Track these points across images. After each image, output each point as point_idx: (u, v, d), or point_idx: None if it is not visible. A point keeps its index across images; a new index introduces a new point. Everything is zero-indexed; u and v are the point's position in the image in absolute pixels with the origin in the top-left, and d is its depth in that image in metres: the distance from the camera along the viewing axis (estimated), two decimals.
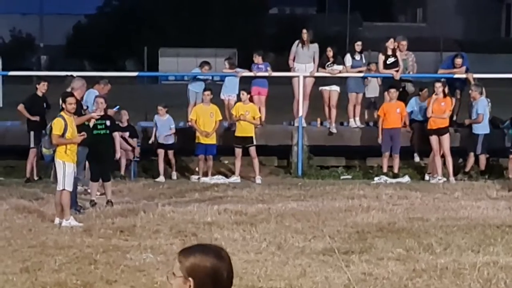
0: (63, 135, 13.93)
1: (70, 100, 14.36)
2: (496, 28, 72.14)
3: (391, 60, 20.81)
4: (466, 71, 20.85)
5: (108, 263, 11.32)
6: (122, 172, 19.38)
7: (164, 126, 20.08)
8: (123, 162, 19.21)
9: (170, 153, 20.06)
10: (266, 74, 21.31)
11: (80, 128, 14.64)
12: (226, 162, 20.91)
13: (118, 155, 17.54)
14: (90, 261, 11.45)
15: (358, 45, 22.07)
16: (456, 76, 20.79)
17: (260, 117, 20.59)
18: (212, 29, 42.20)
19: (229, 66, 22.25)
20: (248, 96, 20.08)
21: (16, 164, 20.63)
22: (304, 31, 21.13)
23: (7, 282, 10.50)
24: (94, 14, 67.81)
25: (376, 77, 21.46)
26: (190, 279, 2.63)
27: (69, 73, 19.61)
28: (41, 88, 19.78)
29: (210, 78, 22.10)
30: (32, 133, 19.18)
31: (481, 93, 19.94)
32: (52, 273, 10.82)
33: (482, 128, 19.86)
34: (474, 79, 20.53)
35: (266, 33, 42.09)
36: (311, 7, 75.28)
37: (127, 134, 19.49)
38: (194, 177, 19.67)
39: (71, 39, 64.07)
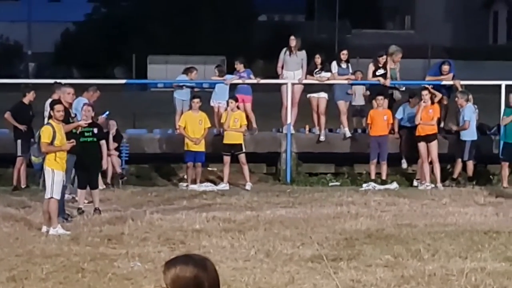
0: (51, 143, 13.94)
1: (58, 107, 14.41)
2: (484, 35, 72.64)
3: (380, 71, 20.84)
4: (453, 78, 21.01)
5: (95, 271, 11.28)
6: (109, 180, 19.19)
7: None
8: (110, 170, 19.07)
9: None
10: (255, 81, 21.49)
11: (68, 135, 14.59)
12: (214, 169, 20.83)
13: (104, 164, 17.47)
14: (77, 269, 11.43)
15: (343, 54, 22.12)
16: (443, 82, 20.93)
17: (249, 124, 20.55)
18: (201, 36, 42.37)
19: (219, 73, 22.39)
20: (236, 104, 20.10)
21: (3, 172, 20.53)
22: (292, 38, 21.16)
23: None
24: (83, 21, 67.73)
25: (363, 84, 21.65)
26: None
27: (57, 80, 19.55)
28: (30, 97, 19.76)
29: (197, 85, 22.30)
30: (19, 141, 19.20)
31: (467, 100, 20.08)
32: (39, 281, 10.79)
33: (469, 135, 19.99)
34: (461, 85, 20.72)
35: (255, 40, 42.29)
36: (300, 14, 75.41)
37: (114, 145, 19.31)
38: (182, 185, 19.67)
39: (59, 46, 64.03)
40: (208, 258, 2.79)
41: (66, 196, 15.97)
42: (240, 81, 21.38)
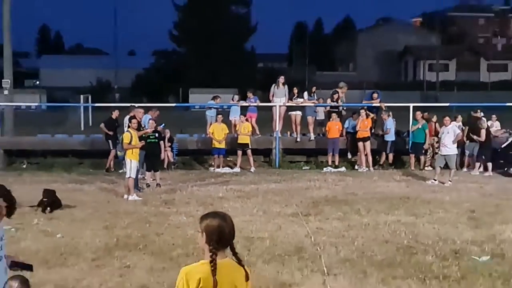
0: (130, 143, 16.22)
1: (133, 121, 16.86)
2: (399, 74, 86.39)
3: (334, 103, 23.60)
4: (380, 102, 23.83)
5: (157, 222, 13.40)
6: (165, 166, 21.05)
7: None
8: (166, 160, 21.01)
9: None
10: (255, 104, 24.00)
11: (140, 138, 16.84)
12: (231, 159, 22.58)
13: (162, 156, 19.82)
14: (146, 221, 13.55)
15: (312, 88, 25.39)
16: (374, 104, 23.75)
17: (253, 131, 23.04)
18: (222, 76, 45.59)
19: (237, 100, 24.73)
20: (245, 118, 22.59)
21: (100, 161, 22.07)
22: (281, 77, 23.93)
23: (94, 235, 12.21)
24: (149, 67, 76.83)
25: (324, 106, 24.11)
26: (204, 233, 4.09)
27: (132, 104, 21.23)
28: (115, 114, 22.32)
29: (220, 107, 24.13)
30: (109, 141, 21.53)
31: (389, 115, 22.87)
32: (122, 229, 12.80)
33: (390, 137, 22.71)
34: (385, 107, 23.50)
35: (256, 78, 45.35)
36: (284, 62, 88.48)
37: (168, 144, 21.17)
38: (211, 169, 21.98)
39: (135, 83, 72.54)
40: (227, 214, 4.15)
41: (139, 176, 17.67)
42: (246, 104, 24.05)
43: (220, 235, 4.01)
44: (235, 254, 4.11)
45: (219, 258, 4.00)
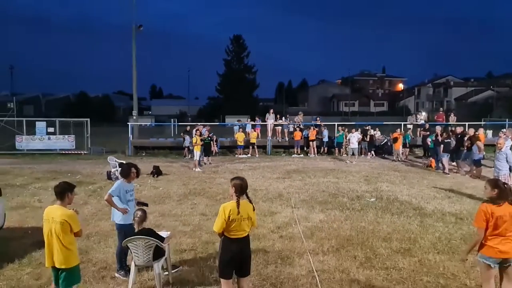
0: (196, 142, 15.93)
1: (197, 132, 16.73)
2: (329, 108, 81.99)
3: (298, 122, 21.96)
4: (320, 122, 22.12)
5: (210, 182, 12.97)
6: (214, 154, 19.84)
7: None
8: (214, 151, 19.74)
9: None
10: (259, 123, 22.60)
11: (201, 140, 16.48)
12: (246, 150, 20.87)
13: (212, 149, 19.14)
14: (204, 181, 13.15)
15: (287, 115, 25.51)
16: (317, 123, 21.83)
17: (257, 136, 21.57)
18: (240, 109, 44.43)
19: (249, 121, 23.57)
20: (253, 130, 21.61)
21: (180, 152, 20.49)
22: (271, 110, 22.96)
23: (178, 188, 11.96)
24: (205, 105, 73.70)
25: (293, 124, 22.18)
26: (232, 187, 4.31)
27: (197, 123, 20.63)
28: (187, 128, 20.72)
29: (241, 124, 22.27)
30: (185, 142, 19.86)
31: (324, 128, 21.26)
32: (192, 185, 12.39)
33: (325, 139, 21.02)
34: (323, 124, 21.74)
35: (258, 110, 45.10)
36: (272, 102, 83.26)
37: (215, 143, 20.12)
38: (237, 155, 20.57)
39: (198, 113, 67.58)
40: (244, 177, 4.48)
41: (200, 159, 16.59)
42: (254, 123, 22.53)
43: (240, 188, 4.29)
44: (248, 197, 4.39)
45: (240, 200, 4.27)
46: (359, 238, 7.30)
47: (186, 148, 20.09)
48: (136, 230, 5.34)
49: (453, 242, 7.07)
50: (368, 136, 20.61)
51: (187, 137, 19.83)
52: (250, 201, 4.40)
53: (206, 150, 17.77)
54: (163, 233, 5.84)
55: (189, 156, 18.94)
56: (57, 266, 4.32)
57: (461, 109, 58.19)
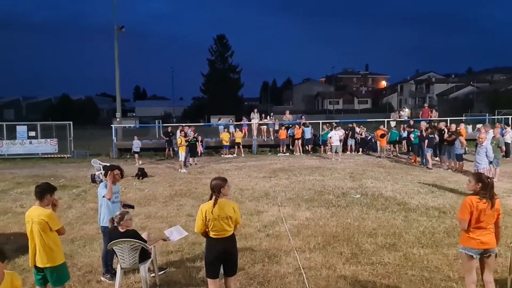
0: (181, 143, 15.72)
1: (182, 133, 17.06)
2: (314, 106, 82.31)
3: (287, 122, 22.39)
4: (305, 120, 22.43)
5: (195, 182, 12.89)
6: (200, 155, 19.39)
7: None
8: (199, 151, 19.49)
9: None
10: (247, 122, 22.77)
11: (186, 141, 16.28)
12: (232, 150, 20.84)
13: (199, 149, 19.27)
14: (189, 182, 13.00)
15: (271, 114, 24.77)
16: (302, 121, 22.05)
17: (243, 135, 21.64)
18: (226, 109, 43.85)
19: (233, 121, 23.75)
20: (239, 130, 21.83)
21: (165, 153, 20.24)
22: (256, 110, 23.36)
23: (163, 190, 11.81)
24: (190, 106, 74.22)
25: (279, 124, 22.10)
26: (211, 187, 4.31)
27: (181, 124, 20.67)
28: (170, 129, 20.55)
29: (225, 124, 22.64)
30: (166, 143, 20.14)
31: (308, 126, 21.31)
32: (178, 186, 12.31)
33: (308, 135, 20.82)
34: (308, 122, 22.09)
35: (243, 110, 44.58)
36: (257, 101, 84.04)
37: (200, 143, 19.82)
38: (222, 155, 20.42)
39: (183, 113, 68.65)
40: (225, 177, 4.44)
41: (191, 161, 17.21)
42: (241, 123, 22.80)
43: (216, 188, 4.24)
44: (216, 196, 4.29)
45: (220, 199, 4.23)
46: (345, 234, 7.33)
47: (167, 150, 20.00)
48: (115, 231, 5.27)
49: (436, 236, 7.14)
50: (356, 134, 20.80)
51: (168, 139, 20.00)
52: (215, 202, 4.31)
53: (192, 151, 17.53)
54: (145, 235, 5.77)
55: (178, 157, 18.77)
56: (41, 265, 4.32)
57: (442, 104, 59.23)
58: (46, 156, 21.25)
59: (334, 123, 19.75)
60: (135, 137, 18.59)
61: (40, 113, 55.17)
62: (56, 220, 4.39)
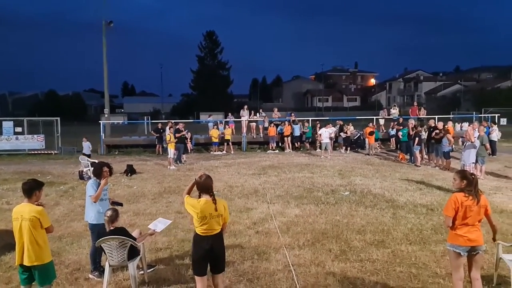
0: (170, 140, 15.56)
1: (172, 129, 16.47)
2: (304, 103, 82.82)
3: (276, 119, 22.53)
4: (294, 117, 22.15)
5: (185, 179, 12.75)
6: (189, 152, 19.62)
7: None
8: (189, 148, 19.52)
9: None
10: (233, 119, 22.88)
11: (176, 138, 16.05)
12: (221, 147, 20.87)
13: (188, 146, 19.26)
14: (179, 179, 12.86)
15: (261, 111, 24.86)
16: (292, 119, 21.92)
17: (232, 132, 21.50)
18: (216, 106, 44.07)
19: (225, 117, 23.89)
20: (228, 126, 21.43)
21: (154, 149, 20.27)
22: (246, 106, 23.59)
23: (152, 187, 11.63)
24: (179, 102, 74.43)
25: (269, 121, 21.98)
26: (196, 184, 4.38)
27: (171, 120, 20.20)
28: (160, 125, 20.23)
29: (214, 121, 22.84)
30: (156, 139, 20.13)
31: (297, 124, 21.34)
32: (167, 183, 12.22)
33: (297, 133, 20.88)
34: (297, 119, 21.92)
35: (233, 107, 44.43)
36: (247, 98, 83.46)
37: (190, 140, 19.77)
38: (212, 153, 20.33)
39: (172, 110, 68.42)
40: (209, 176, 4.35)
41: (175, 156, 16.14)
42: (228, 119, 22.63)
43: (199, 186, 4.25)
44: (212, 195, 4.25)
45: (203, 197, 4.23)
46: (334, 231, 7.34)
47: (157, 147, 19.95)
48: (107, 230, 5.25)
49: (424, 233, 7.19)
50: (345, 132, 20.88)
51: (158, 135, 19.89)
52: (214, 200, 4.24)
53: (181, 147, 17.44)
54: (136, 233, 5.73)
55: (167, 154, 18.68)
56: (29, 264, 4.27)
57: (430, 102, 59.71)
58: (32, 152, 20.96)
59: (328, 123, 19.78)
60: (84, 138, 17.00)
61: (27, 109, 54.33)
62: (47, 217, 4.38)
